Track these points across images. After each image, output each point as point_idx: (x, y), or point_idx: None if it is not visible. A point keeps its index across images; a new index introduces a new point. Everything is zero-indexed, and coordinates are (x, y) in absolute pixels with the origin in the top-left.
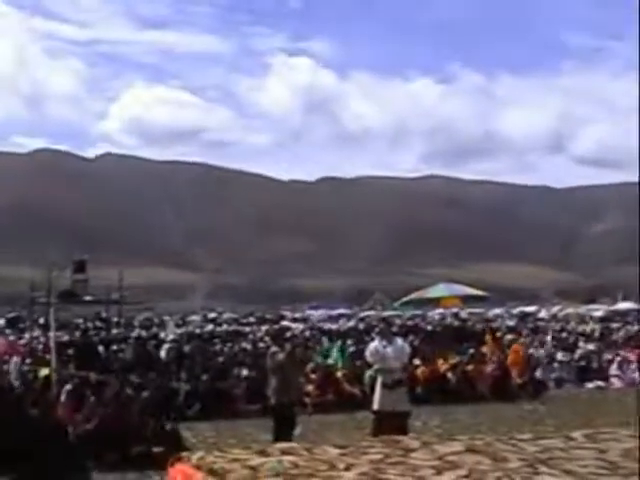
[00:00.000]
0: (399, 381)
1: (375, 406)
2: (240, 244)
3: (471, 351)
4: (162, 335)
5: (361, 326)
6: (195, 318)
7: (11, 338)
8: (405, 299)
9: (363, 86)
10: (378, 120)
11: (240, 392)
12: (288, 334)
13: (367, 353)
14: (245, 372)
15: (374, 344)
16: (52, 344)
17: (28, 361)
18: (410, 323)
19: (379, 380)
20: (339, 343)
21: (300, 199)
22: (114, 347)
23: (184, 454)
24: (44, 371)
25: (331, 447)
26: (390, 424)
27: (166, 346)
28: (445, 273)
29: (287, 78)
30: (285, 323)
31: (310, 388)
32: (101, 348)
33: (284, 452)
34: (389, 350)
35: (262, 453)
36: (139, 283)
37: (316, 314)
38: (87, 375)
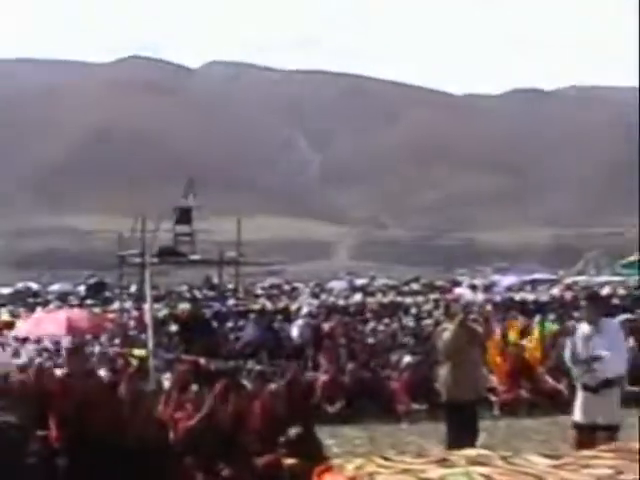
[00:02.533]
0: (607, 382)
1: (574, 416)
2: (399, 185)
3: None
4: (294, 308)
5: (568, 296)
6: (338, 285)
7: (95, 311)
8: (630, 259)
9: None
10: (584, 11)
11: (400, 385)
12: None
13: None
14: (407, 358)
15: (582, 326)
16: (148, 319)
17: (117, 341)
18: (638, 293)
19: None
20: (537, 319)
21: (480, 120)
22: (230, 324)
23: (334, 463)
24: (138, 354)
25: (538, 456)
26: (591, 441)
27: (299, 322)
28: None
29: None
30: (461, 291)
31: (496, 381)
32: (213, 325)
33: (473, 462)
34: (599, 335)
35: (443, 462)
36: (262, 238)
37: (505, 280)
38: (195, 360)
